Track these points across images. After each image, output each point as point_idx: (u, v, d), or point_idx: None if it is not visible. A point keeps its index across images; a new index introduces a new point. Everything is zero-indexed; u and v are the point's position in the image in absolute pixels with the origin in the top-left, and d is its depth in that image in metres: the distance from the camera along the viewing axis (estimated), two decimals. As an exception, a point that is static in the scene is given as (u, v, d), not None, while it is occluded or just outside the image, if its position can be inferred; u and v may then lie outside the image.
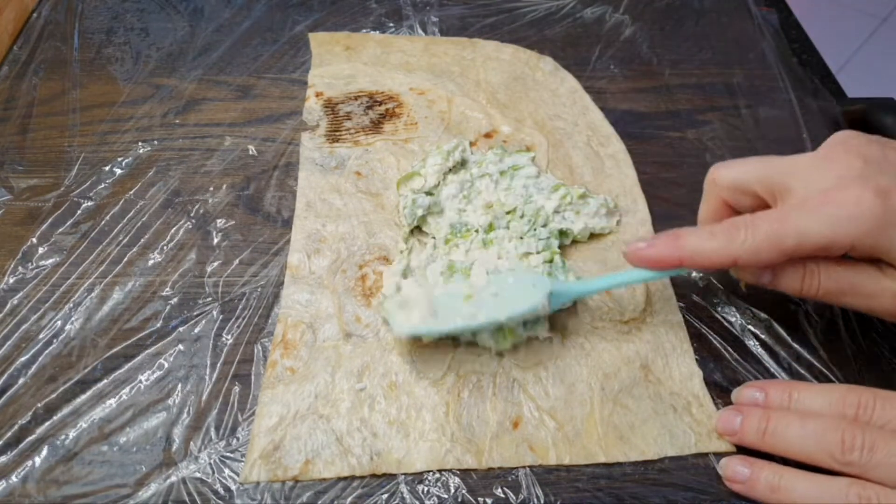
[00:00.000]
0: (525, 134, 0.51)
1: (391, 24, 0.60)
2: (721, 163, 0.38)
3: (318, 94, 0.53)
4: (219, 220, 0.45)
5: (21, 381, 0.37)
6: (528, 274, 0.40)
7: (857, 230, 0.32)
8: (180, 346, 0.39)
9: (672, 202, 0.48)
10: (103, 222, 0.44)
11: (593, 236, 0.45)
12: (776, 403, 0.35)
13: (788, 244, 0.33)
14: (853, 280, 0.34)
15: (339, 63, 0.56)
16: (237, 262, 0.43)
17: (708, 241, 0.35)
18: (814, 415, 0.34)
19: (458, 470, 0.35)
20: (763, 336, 0.41)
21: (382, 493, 0.34)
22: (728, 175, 0.37)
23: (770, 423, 0.34)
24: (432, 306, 0.38)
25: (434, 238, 0.44)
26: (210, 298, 0.41)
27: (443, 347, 0.39)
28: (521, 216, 0.44)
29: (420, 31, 0.59)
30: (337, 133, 0.51)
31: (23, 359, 0.38)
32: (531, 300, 0.37)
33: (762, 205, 0.36)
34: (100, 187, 0.46)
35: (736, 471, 0.34)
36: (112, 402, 0.36)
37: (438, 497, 0.34)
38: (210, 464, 0.35)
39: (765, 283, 0.36)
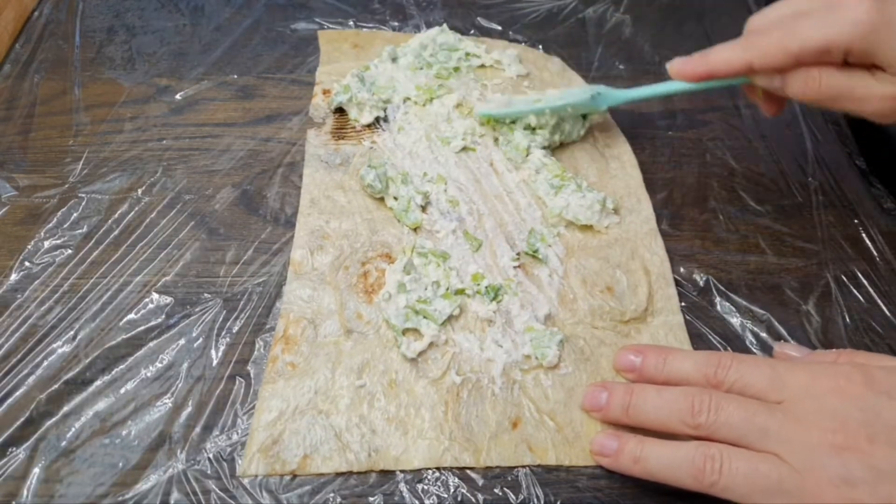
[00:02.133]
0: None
1: (395, 24, 0.60)
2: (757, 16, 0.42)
3: (325, 92, 0.53)
4: (222, 218, 0.45)
5: (25, 376, 0.37)
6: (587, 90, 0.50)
7: (853, 33, 0.36)
8: (182, 341, 0.39)
9: (673, 202, 0.48)
10: (107, 220, 0.44)
11: (596, 233, 0.45)
12: (651, 367, 0.37)
13: (793, 48, 0.38)
14: (847, 83, 0.38)
15: (347, 61, 0.56)
16: (240, 258, 0.43)
17: (728, 52, 0.41)
18: (674, 384, 0.35)
19: (458, 469, 0.35)
20: (763, 336, 0.41)
21: (382, 492, 0.34)
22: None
23: (633, 397, 0.35)
24: (509, 102, 0.50)
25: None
26: (213, 294, 0.41)
27: (443, 348, 0.39)
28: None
29: (425, 30, 0.59)
30: (342, 131, 0.51)
31: (27, 354, 0.38)
32: (583, 97, 0.49)
33: None
34: (103, 186, 0.46)
35: (604, 444, 0.35)
36: (114, 397, 0.37)
37: (438, 496, 0.34)
38: (210, 457, 0.35)
39: (776, 88, 0.41)
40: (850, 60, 0.38)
